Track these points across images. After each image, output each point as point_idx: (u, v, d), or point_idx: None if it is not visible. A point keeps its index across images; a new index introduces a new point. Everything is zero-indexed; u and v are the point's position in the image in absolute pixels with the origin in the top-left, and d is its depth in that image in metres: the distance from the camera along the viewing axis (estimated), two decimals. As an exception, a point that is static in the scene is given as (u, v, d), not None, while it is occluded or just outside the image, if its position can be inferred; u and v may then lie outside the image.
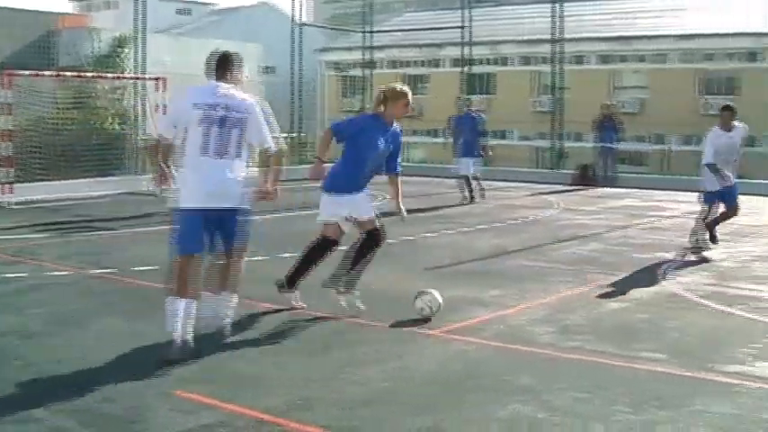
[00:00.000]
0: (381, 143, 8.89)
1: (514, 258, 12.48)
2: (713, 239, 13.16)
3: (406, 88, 9.10)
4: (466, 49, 32.33)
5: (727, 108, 13.16)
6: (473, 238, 14.61)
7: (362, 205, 8.94)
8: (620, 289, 10.30)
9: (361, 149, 8.84)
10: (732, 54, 40.02)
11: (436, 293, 8.67)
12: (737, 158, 13.17)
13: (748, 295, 10.05)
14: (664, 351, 7.57)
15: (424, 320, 8.47)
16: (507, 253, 12.98)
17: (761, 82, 28.99)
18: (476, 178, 20.85)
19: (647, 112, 41.10)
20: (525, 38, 42.24)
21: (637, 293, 10.05)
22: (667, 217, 18.00)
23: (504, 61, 47.16)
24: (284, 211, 15.18)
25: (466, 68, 32.38)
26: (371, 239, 8.94)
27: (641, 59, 43.44)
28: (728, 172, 12.82)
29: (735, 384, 6.64)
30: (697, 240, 13.09)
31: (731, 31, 38.01)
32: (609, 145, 26.26)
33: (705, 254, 12.85)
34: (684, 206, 19.84)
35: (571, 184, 25.47)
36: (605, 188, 24.59)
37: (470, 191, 20.58)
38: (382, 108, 8.99)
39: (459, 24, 32.03)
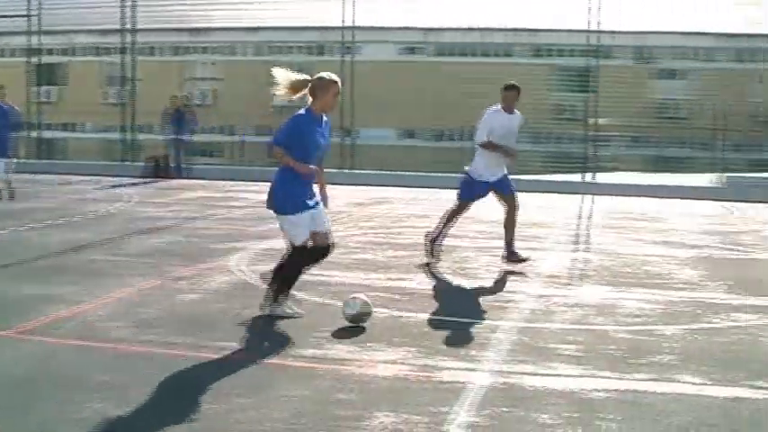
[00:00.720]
0: (322, 139, 8.39)
1: (89, 253, 12.12)
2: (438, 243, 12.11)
3: (334, 76, 8.40)
4: (35, 39, 31.07)
5: (512, 87, 11.73)
6: (45, 233, 14.00)
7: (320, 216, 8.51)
8: (195, 280, 10.27)
9: (308, 151, 8.28)
10: (302, 47, 41.29)
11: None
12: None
13: (320, 281, 10.33)
14: (241, 340, 7.62)
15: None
16: (81, 248, 12.57)
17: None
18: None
19: (219, 103, 41.50)
20: (97, 27, 41.29)
21: (212, 284, 10.06)
22: (241, 207, 18.24)
23: (75, 51, 45.88)
24: None
25: (34, 59, 31.15)
26: (323, 251, 8.59)
27: (214, 51, 43.76)
28: (502, 162, 11.81)
29: (311, 368, 6.80)
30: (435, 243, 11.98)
31: (301, 25, 39.16)
32: (181, 137, 26.23)
33: (275, 242, 13.12)
34: (258, 195, 20.28)
35: (144, 177, 25.22)
36: (179, 180, 24.57)
37: None
38: (310, 100, 8.33)
39: (27, 12, 30.72)
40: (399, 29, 40.96)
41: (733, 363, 7.27)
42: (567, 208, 19.98)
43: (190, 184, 23.32)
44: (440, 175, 25.54)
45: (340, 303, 8.85)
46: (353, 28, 28.90)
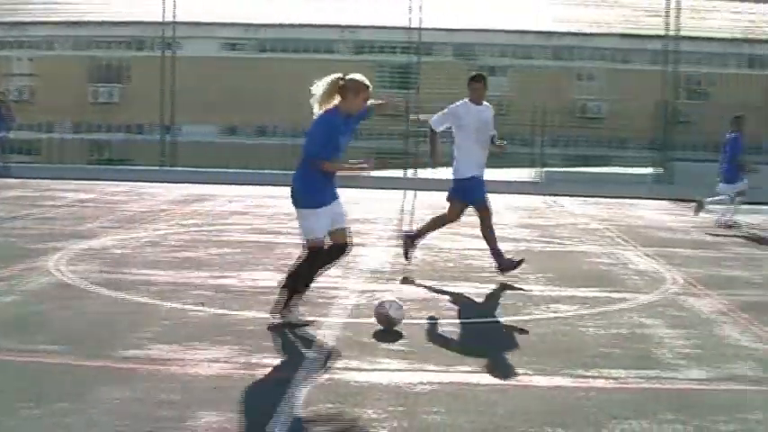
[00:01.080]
0: (343, 138, 8.05)
1: None
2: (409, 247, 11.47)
3: (366, 81, 8.07)
4: None
5: (480, 78, 11.18)
6: None
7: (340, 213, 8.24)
8: (15, 281, 9.89)
9: (334, 152, 8.00)
10: (122, 42, 40.48)
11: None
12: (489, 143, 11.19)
13: (142, 280, 10.15)
14: (61, 342, 7.38)
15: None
16: None
17: (149, 70, 29.74)
18: None
19: (37, 100, 40.34)
20: None
21: (31, 285, 9.73)
22: (60, 206, 17.75)
23: None
24: None
25: None
26: (341, 249, 8.35)
27: (30, 46, 42.52)
28: (483, 157, 11.12)
29: (133, 369, 6.65)
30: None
31: (121, 20, 38.49)
32: (-2, 135, 25.34)
33: (94, 242, 12.83)
34: (77, 195, 19.76)
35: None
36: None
37: None
38: (338, 99, 8.00)
39: None
40: (221, 24, 40.62)
41: (553, 353, 7.45)
42: (390, 203, 20.16)
43: (6, 183, 22.52)
44: (262, 171, 25.47)
45: (162, 302, 8.72)
46: (174, 23, 28.52)
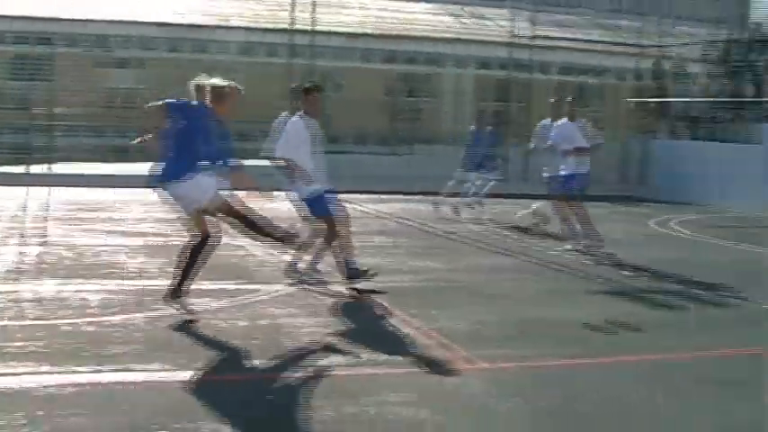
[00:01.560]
0: None
1: None
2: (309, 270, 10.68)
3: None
4: None
5: (315, 89, 10.49)
6: None
7: None
8: None
9: None
10: None
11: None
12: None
13: None
14: None
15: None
16: None
17: None
18: None
19: None
20: None
21: None
22: None
23: None
24: None
25: None
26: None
27: None
28: (314, 168, 10.33)
29: None
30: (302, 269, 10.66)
31: None
32: None
33: None
34: None
35: None
36: None
37: None
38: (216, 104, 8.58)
39: None
40: None
41: (194, 348, 7.51)
42: (15, 200, 19.28)
43: None
44: None
45: None
46: None
